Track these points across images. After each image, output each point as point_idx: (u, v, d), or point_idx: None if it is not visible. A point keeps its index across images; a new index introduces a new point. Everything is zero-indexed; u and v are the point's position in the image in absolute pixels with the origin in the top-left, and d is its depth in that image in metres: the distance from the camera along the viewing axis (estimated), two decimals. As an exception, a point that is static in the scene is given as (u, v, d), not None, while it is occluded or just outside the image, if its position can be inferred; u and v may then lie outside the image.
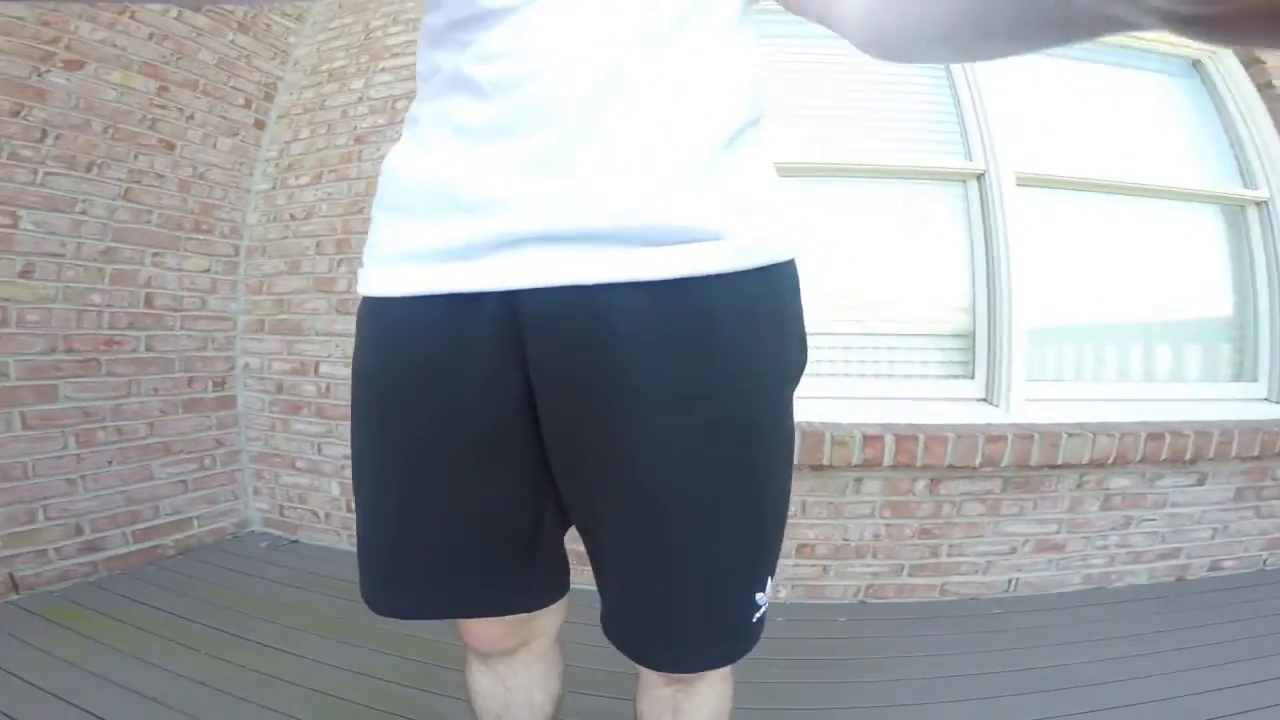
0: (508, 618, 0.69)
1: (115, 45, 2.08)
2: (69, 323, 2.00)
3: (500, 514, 0.60)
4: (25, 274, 1.92)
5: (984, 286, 1.99)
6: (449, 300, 0.54)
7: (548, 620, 0.75)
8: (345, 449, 2.19)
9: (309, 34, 2.61)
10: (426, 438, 0.57)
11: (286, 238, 2.44)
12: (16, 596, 1.85)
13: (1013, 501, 1.83)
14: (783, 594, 1.86)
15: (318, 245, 2.38)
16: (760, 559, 0.60)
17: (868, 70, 2.09)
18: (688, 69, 0.51)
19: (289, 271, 2.42)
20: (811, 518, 1.82)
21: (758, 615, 0.60)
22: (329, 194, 2.38)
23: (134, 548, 2.11)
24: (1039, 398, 1.95)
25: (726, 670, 0.68)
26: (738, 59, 0.54)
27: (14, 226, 1.89)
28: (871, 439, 1.71)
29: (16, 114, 1.88)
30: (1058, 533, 1.87)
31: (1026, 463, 1.73)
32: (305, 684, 1.41)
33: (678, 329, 0.52)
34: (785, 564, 1.85)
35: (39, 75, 1.92)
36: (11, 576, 1.86)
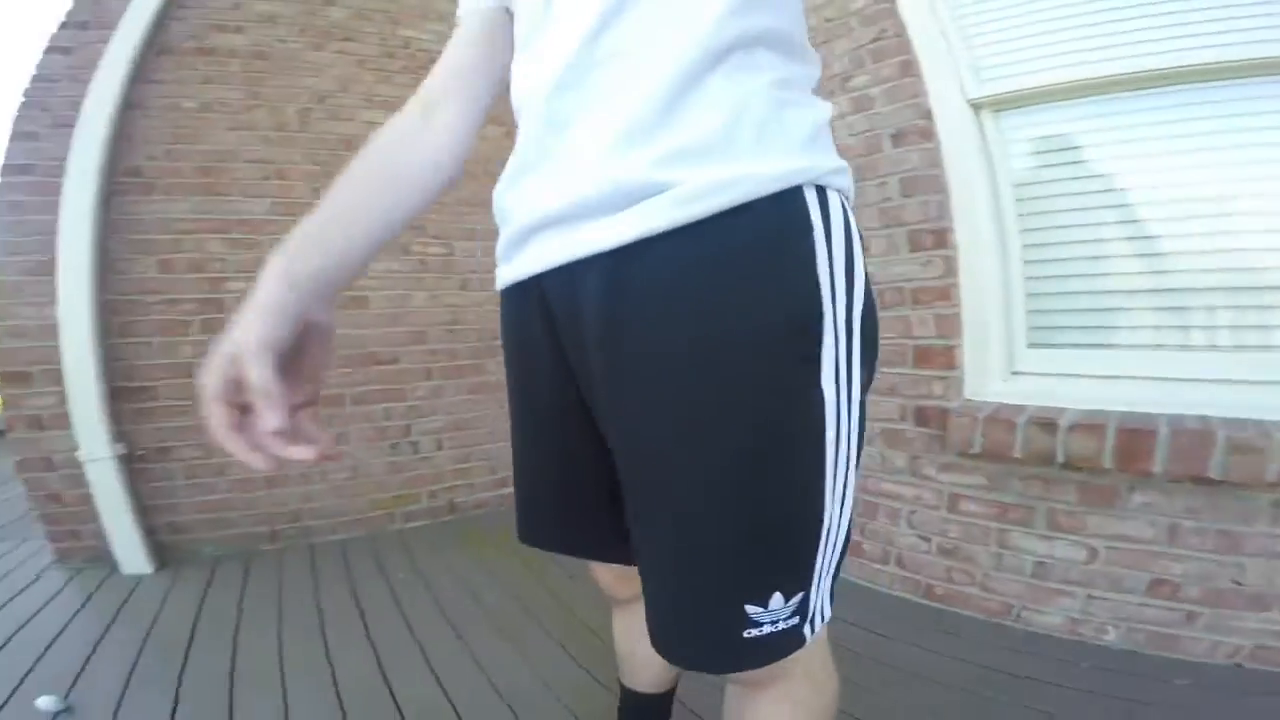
0: (614, 566, 0.77)
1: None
2: (493, 319, 2.76)
3: (581, 463, 0.64)
4: (463, 287, 2.74)
5: None
6: (514, 289, 0.63)
7: None
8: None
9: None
10: (522, 398, 0.69)
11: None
12: (451, 517, 2.70)
13: None
14: (1110, 635, 1.45)
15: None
16: (753, 566, 0.51)
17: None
18: (642, 28, 0.50)
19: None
20: (1183, 547, 1.37)
21: (752, 632, 0.51)
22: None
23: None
24: None
25: (811, 680, 0.61)
26: None
27: (450, 254, 2.70)
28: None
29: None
30: None
31: None
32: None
33: (632, 299, 0.50)
34: (1128, 601, 1.43)
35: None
36: (451, 502, 2.71)
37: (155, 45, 2.27)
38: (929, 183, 1.77)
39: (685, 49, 0.48)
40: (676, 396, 0.49)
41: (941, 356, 1.78)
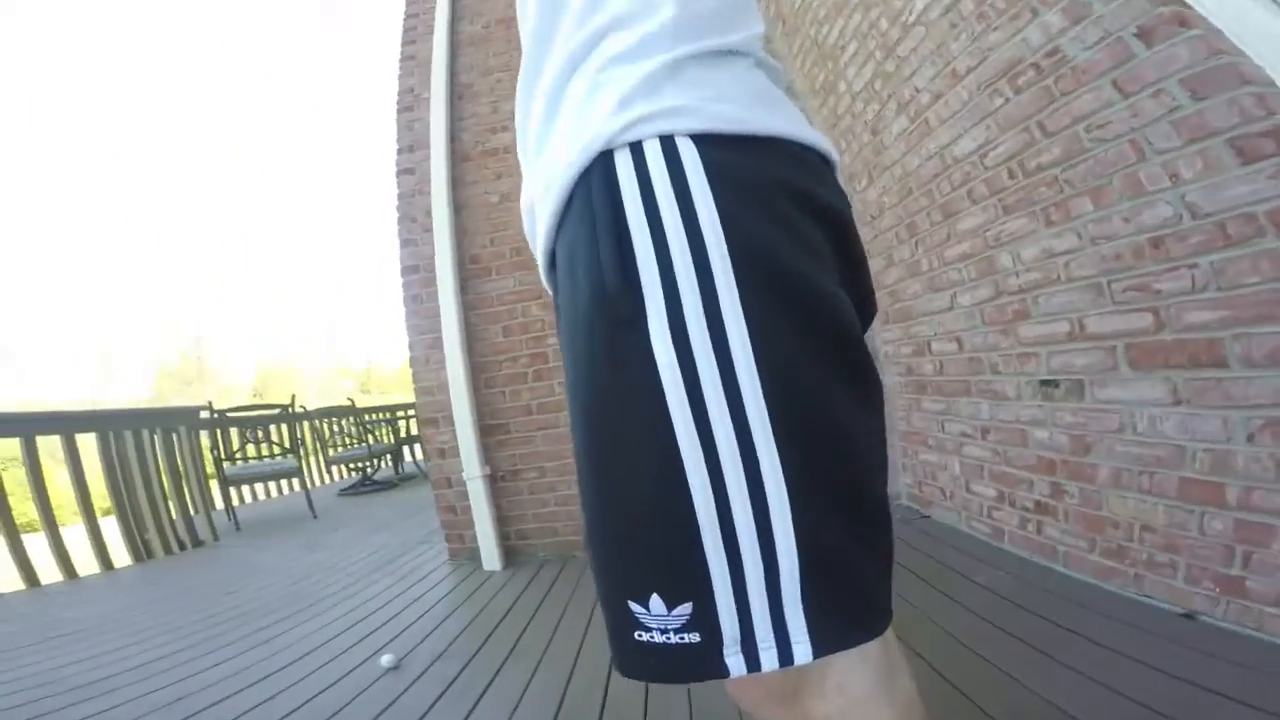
0: None
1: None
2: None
3: None
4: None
5: None
6: None
7: None
8: (963, 425, 2.17)
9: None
10: None
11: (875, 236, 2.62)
12: None
13: None
14: None
15: (895, 235, 2.46)
16: (622, 555, 0.47)
17: None
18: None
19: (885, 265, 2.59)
20: None
21: (642, 636, 0.46)
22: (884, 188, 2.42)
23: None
24: None
25: (838, 680, 0.49)
26: None
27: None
28: None
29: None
30: None
31: None
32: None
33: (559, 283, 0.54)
34: None
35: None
36: None
37: (456, 154, 3.05)
38: (1224, 75, 1.21)
39: (552, 72, 0.55)
40: (569, 375, 0.53)
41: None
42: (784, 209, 0.46)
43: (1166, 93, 1.34)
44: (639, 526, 0.46)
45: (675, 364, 0.44)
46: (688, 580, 0.45)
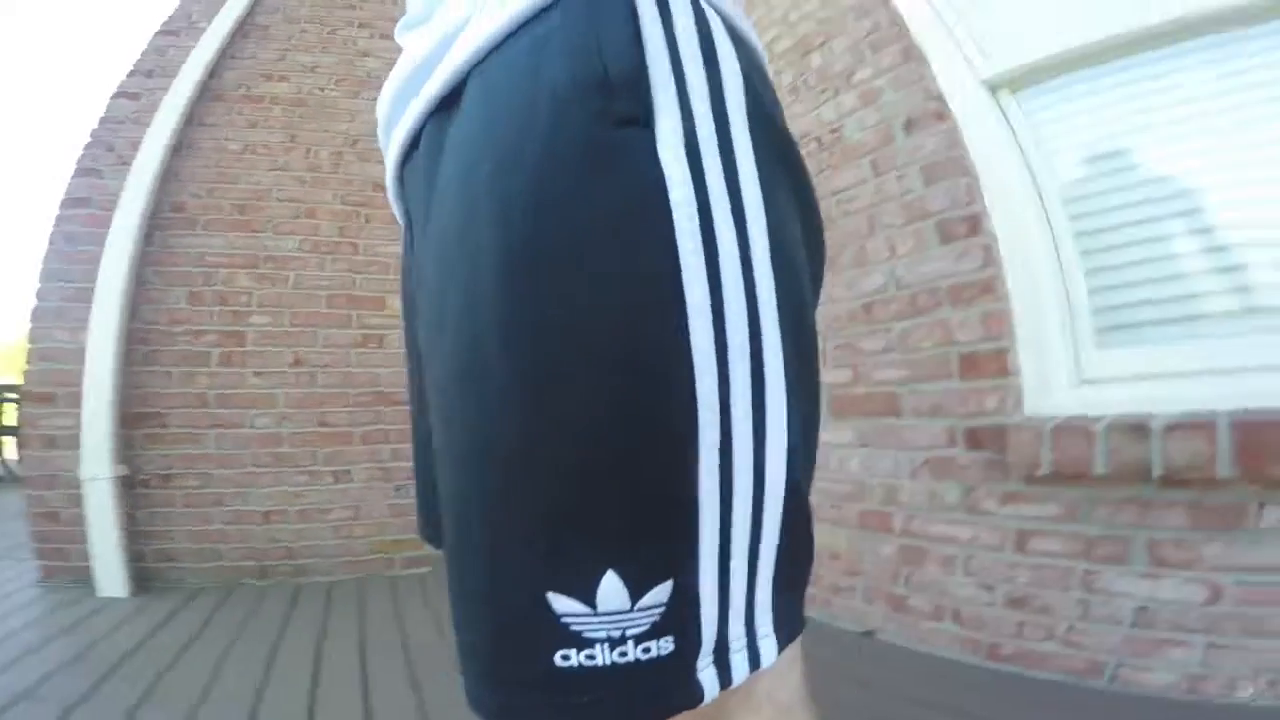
0: None
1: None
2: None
3: None
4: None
5: None
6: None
7: None
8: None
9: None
10: (409, 355, 0.52)
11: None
12: None
13: None
14: (1248, 692, 1.01)
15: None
16: (544, 510, 0.28)
17: None
18: None
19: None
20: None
21: (566, 659, 0.27)
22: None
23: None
24: None
25: None
26: None
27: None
28: None
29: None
30: None
31: None
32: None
33: (444, 158, 0.35)
34: (1272, 649, 1.01)
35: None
36: None
37: (209, 92, 2.48)
38: (951, 166, 1.56)
39: None
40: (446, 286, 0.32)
41: (992, 362, 1.47)
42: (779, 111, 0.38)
43: (907, 176, 1.65)
44: (600, 445, 0.28)
45: (689, 183, 0.29)
46: (670, 544, 0.28)
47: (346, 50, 2.70)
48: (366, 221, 2.55)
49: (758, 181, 0.32)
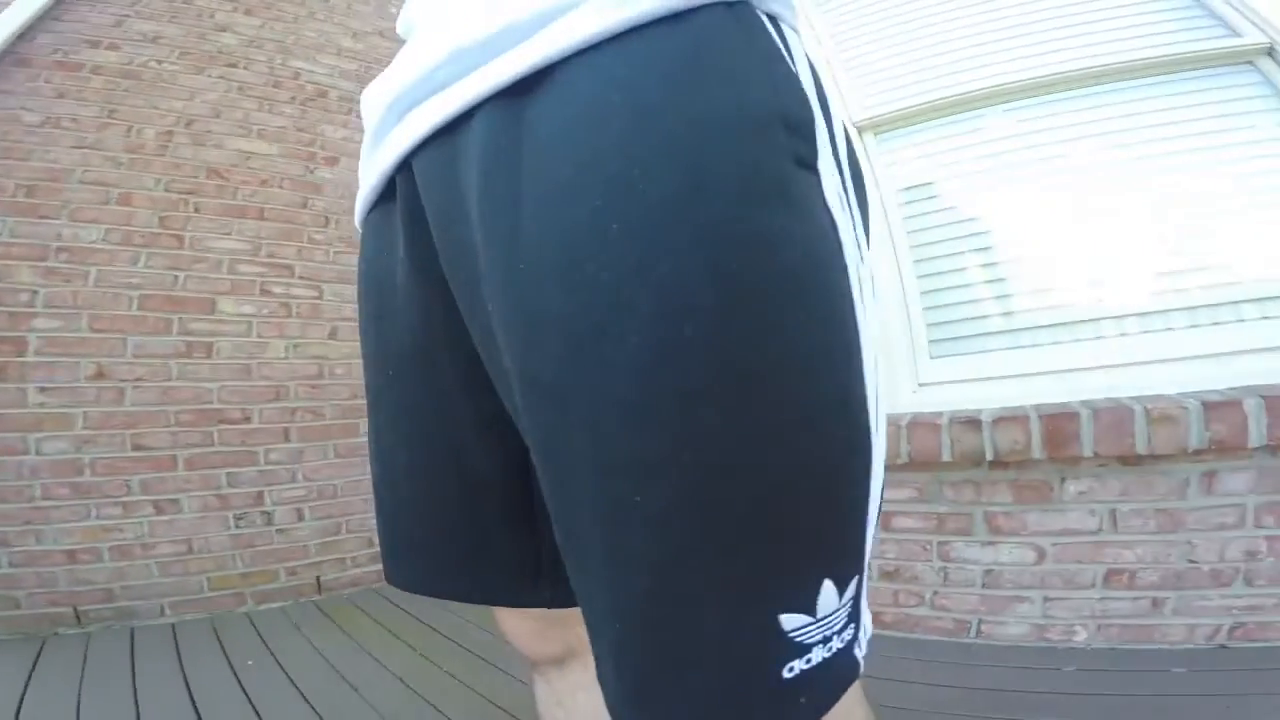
0: (531, 611, 0.50)
1: (355, 141, 2.61)
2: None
3: (470, 453, 0.44)
4: (331, 336, 2.44)
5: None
6: (376, 212, 0.47)
7: None
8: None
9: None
10: (380, 367, 0.49)
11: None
12: (319, 597, 2.24)
13: None
14: (1081, 635, 1.30)
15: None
16: (770, 541, 0.29)
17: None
18: None
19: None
20: (1127, 532, 1.27)
21: (791, 670, 0.29)
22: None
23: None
24: None
25: None
26: None
27: (319, 298, 2.42)
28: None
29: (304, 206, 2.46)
30: None
31: None
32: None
33: (539, 142, 0.32)
34: (1089, 597, 1.30)
35: (310, 172, 2.50)
36: (318, 580, 2.26)
37: (12, 55, 2.02)
38: None
39: None
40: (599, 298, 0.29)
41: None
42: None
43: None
44: (825, 470, 0.30)
45: (851, 229, 0.33)
46: (860, 543, 0.33)
47: (201, 22, 2.34)
48: (196, 211, 2.22)
49: (864, 227, 0.38)
